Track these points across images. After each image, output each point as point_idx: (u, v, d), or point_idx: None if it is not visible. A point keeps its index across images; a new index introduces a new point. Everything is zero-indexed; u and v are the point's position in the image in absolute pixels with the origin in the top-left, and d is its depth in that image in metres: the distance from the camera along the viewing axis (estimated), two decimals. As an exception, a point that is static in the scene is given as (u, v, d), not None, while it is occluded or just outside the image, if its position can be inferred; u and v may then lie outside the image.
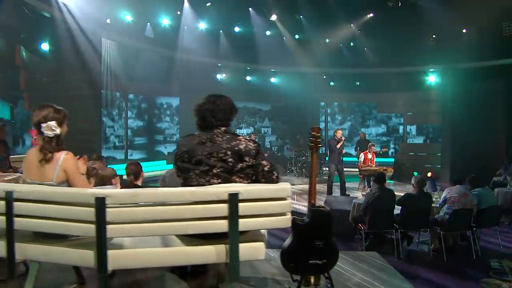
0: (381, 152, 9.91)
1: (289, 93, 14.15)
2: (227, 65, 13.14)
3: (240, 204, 2.11)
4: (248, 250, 2.21)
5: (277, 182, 2.35)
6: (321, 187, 9.79)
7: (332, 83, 14.94)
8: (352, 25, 13.11)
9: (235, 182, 2.27)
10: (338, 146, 8.39)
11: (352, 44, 13.93)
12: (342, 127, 15.04)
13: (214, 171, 2.25)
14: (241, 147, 2.27)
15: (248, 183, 2.33)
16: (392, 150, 14.62)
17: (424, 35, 13.12)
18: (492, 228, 5.81)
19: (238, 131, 14.12)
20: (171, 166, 12.85)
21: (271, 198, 2.23)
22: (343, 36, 13.41)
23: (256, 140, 10.46)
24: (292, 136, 13.71)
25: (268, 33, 13.52)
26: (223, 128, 2.34)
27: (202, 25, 12.78)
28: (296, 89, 13.98)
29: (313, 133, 2.49)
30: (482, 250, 5.69)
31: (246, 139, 2.33)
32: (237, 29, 13.35)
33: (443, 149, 12.22)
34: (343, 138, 8.40)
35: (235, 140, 2.29)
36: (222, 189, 2.12)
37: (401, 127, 14.43)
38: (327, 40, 13.81)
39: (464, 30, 12.53)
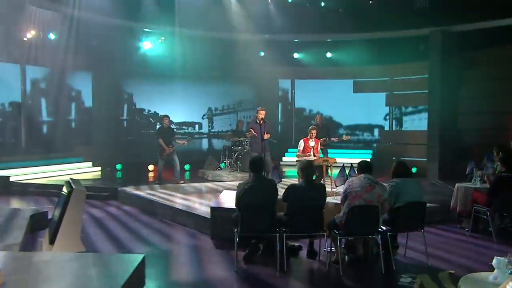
0: (334, 140, 9.27)
1: (237, 67, 13.40)
2: (155, 30, 12.46)
3: None
4: None
5: None
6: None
7: (297, 55, 14.29)
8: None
9: None
10: (249, 135, 7.91)
11: (323, 4, 13.23)
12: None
13: None
14: None
15: None
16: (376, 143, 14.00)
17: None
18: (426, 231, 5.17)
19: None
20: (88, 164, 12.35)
21: None
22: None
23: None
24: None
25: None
26: None
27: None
28: (248, 62, 13.22)
29: None
30: (401, 263, 5.02)
31: None
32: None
33: (430, 137, 11.44)
34: (260, 123, 7.77)
35: None
36: None
37: (384, 110, 13.67)
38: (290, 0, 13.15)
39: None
